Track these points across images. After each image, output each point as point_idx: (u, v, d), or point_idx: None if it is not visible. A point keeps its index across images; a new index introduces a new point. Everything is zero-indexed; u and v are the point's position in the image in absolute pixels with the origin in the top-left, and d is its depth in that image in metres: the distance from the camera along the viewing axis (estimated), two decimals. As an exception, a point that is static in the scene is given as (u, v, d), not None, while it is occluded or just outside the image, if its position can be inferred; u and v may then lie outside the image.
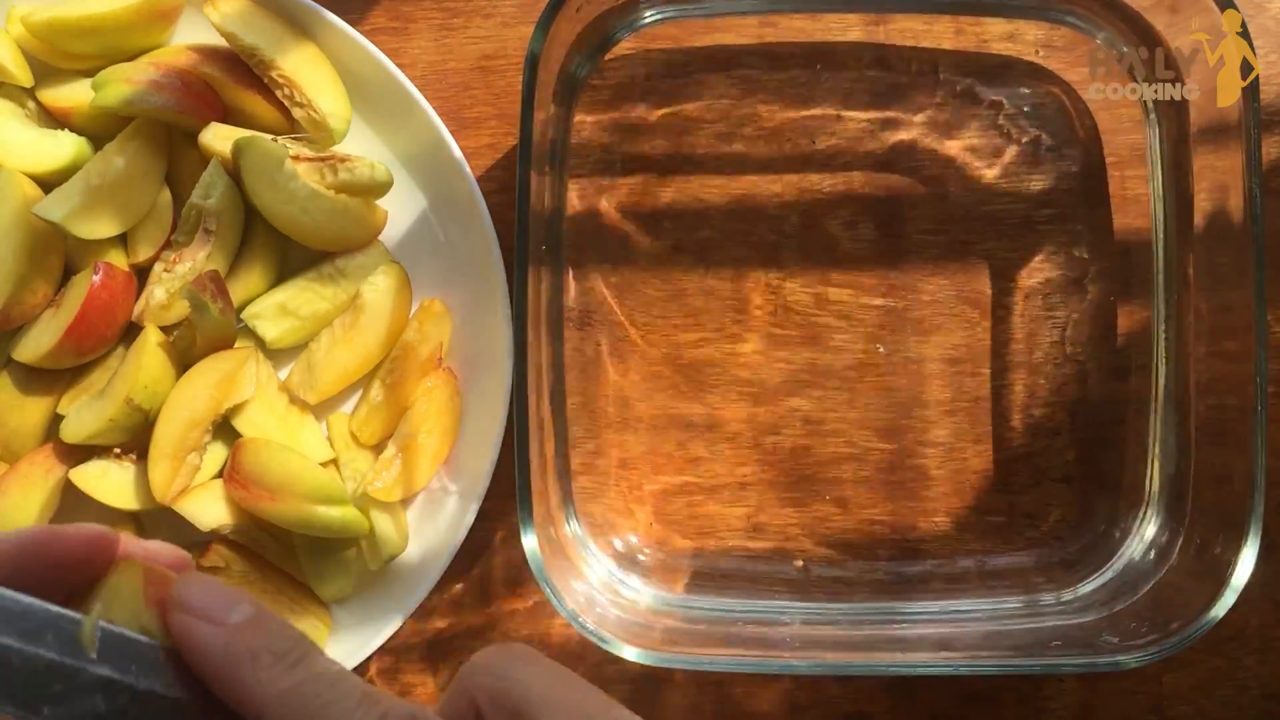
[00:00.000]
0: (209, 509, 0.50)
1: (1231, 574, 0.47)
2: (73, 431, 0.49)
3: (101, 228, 0.50)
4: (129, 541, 0.27)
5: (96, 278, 0.49)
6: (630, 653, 0.47)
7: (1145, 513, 0.53)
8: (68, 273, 0.52)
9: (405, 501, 0.53)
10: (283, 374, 0.53)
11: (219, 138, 0.50)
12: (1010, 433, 0.54)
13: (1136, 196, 0.54)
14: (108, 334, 0.51)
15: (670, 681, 0.54)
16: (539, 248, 0.50)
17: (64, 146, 0.51)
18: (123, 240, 0.52)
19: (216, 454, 0.52)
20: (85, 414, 0.49)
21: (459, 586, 0.54)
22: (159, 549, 0.28)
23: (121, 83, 0.49)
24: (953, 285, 0.54)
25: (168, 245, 0.52)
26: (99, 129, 0.52)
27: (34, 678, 0.22)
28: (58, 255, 0.51)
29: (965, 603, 0.53)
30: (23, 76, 0.51)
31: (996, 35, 0.54)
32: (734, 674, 0.54)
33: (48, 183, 0.50)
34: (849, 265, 0.54)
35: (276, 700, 0.24)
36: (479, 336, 0.53)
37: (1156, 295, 0.53)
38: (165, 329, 0.52)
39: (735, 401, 0.54)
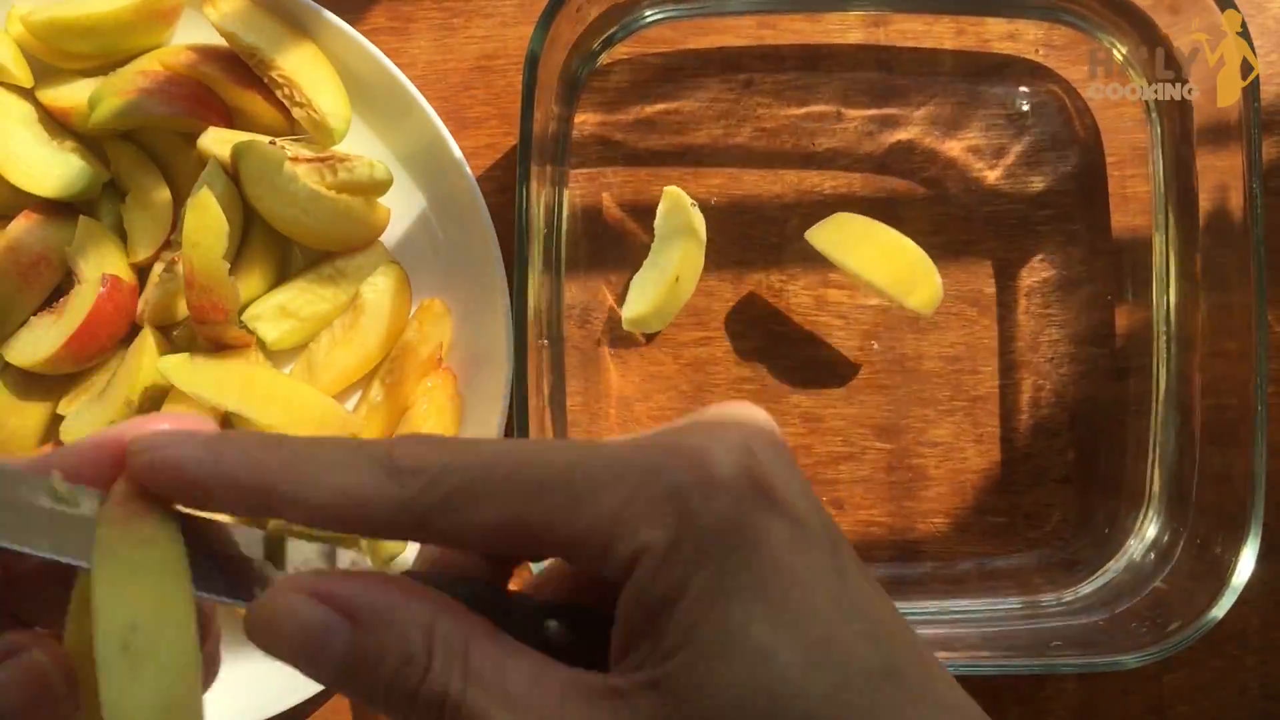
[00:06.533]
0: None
1: (1231, 574, 0.47)
2: (73, 433, 0.49)
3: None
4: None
5: (103, 290, 0.49)
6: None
7: (1146, 513, 0.53)
8: (68, 276, 0.52)
9: (405, 502, 0.53)
10: (283, 374, 0.53)
11: (217, 142, 0.50)
12: (1010, 433, 0.54)
13: (1136, 196, 0.54)
14: (108, 344, 0.51)
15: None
16: (539, 247, 0.50)
17: (78, 175, 0.50)
18: (122, 240, 0.52)
19: (217, 454, 0.51)
20: (85, 415, 0.49)
21: (459, 586, 0.54)
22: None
23: (113, 97, 0.49)
24: (952, 285, 0.54)
25: (167, 245, 0.52)
26: (99, 130, 0.51)
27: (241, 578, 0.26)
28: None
29: (965, 603, 0.53)
30: (23, 76, 0.51)
31: (996, 35, 0.54)
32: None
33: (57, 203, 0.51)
34: (849, 265, 0.54)
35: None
36: (479, 336, 0.53)
37: (1156, 295, 0.53)
38: (165, 329, 0.52)
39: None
